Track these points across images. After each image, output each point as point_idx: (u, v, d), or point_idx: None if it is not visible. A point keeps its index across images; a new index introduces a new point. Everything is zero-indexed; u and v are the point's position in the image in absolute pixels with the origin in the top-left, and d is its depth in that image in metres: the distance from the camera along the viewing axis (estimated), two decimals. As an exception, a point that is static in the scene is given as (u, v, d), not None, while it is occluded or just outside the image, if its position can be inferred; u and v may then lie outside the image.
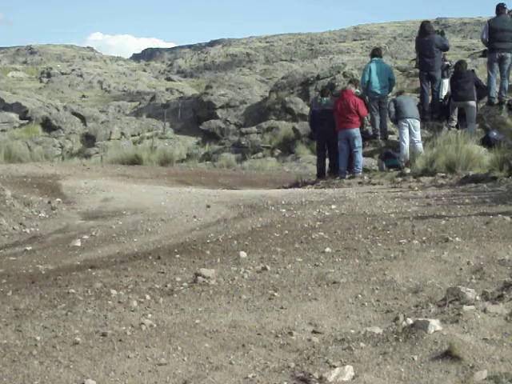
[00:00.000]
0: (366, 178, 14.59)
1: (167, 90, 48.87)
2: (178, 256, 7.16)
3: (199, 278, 5.85)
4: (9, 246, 9.16)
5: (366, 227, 8.19)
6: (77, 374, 3.84)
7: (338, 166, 15.31)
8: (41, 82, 58.36)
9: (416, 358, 3.75)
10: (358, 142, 15.06)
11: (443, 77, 17.64)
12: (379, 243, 7.13)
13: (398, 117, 15.13)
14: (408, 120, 15.03)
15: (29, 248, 8.79)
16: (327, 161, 16.20)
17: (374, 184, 13.76)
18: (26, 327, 4.68)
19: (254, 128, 29.78)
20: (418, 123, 15.26)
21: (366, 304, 5.05)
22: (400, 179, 13.61)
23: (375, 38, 63.20)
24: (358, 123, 15.13)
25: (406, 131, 15.01)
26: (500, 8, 16.78)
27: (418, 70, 18.69)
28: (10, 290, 5.79)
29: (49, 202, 11.85)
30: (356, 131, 15.05)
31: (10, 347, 4.27)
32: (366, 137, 16.45)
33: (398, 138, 15.92)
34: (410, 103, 15.74)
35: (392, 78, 16.79)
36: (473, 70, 17.94)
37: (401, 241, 7.17)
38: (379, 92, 16.34)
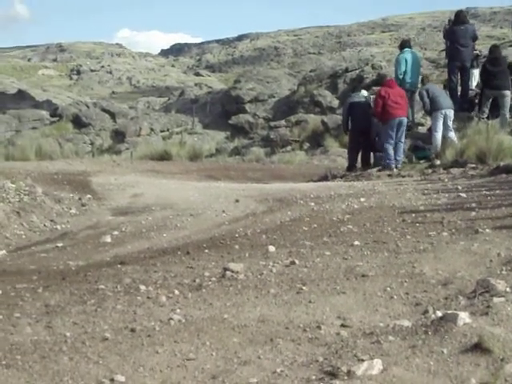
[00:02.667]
0: (395, 170, 14.49)
1: (196, 85, 49.02)
2: (206, 251, 7.17)
3: (228, 272, 5.85)
4: (40, 243, 9.26)
5: (395, 220, 8.14)
6: (106, 369, 3.86)
7: (385, 158, 14.90)
8: (71, 79, 58.85)
9: (445, 350, 3.72)
10: (404, 132, 14.96)
11: (472, 67, 17.48)
12: (408, 236, 7.08)
13: (434, 108, 14.87)
14: (444, 111, 14.86)
15: (60, 244, 8.87)
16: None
17: (404, 176, 13.65)
18: (56, 323, 4.72)
19: (282, 122, 29.70)
20: (452, 113, 15.11)
21: (395, 297, 5.02)
22: (430, 171, 13.49)
23: (404, 30, 62.70)
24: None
25: (441, 122, 14.83)
26: None
27: (446, 61, 18.54)
28: (41, 287, 5.85)
29: (79, 199, 11.95)
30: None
31: (40, 343, 4.30)
32: None
33: (429, 129, 15.79)
34: (443, 93, 15.57)
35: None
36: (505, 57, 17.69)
37: (430, 233, 7.11)
38: (415, 83, 16.22)
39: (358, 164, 16.00)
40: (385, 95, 14.64)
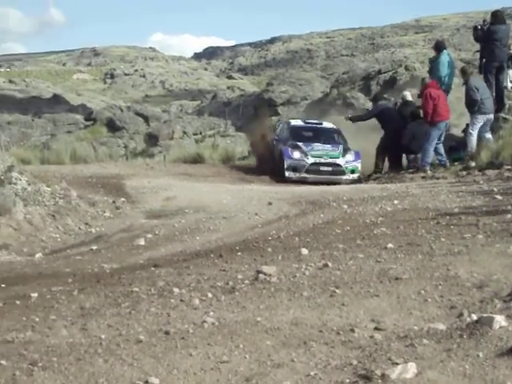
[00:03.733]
0: (429, 172, 14.40)
1: (228, 88, 49.14)
2: (239, 254, 7.18)
3: (260, 275, 5.85)
4: (75, 246, 9.35)
5: (429, 222, 8.08)
6: (140, 371, 3.88)
7: (423, 159, 14.89)
8: (105, 83, 59.38)
9: (481, 354, 3.69)
10: None
11: (508, 67, 17.30)
12: (443, 238, 7.03)
13: (479, 110, 14.68)
14: (488, 116, 14.74)
15: (94, 247, 8.95)
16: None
17: (438, 178, 13.57)
18: (92, 326, 4.75)
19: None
20: (493, 116, 14.99)
21: (430, 300, 4.98)
22: (464, 173, 13.38)
23: (438, 31, 62.26)
24: None
25: (480, 125, 14.71)
26: None
27: (481, 61, 18.34)
28: (76, 289, 5.90)
29: (113, 202, 12.04)
30: None
31: (75, 345, 4.34)
32: None
33: (463, 131, 15.65)
34: (489, 94, 15.19)
35: None
36: None
37: (465, 235, 7.05)
38: (450, 84, 16.13)
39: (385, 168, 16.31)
40: (435, 97, 14.59)
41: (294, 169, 17.58)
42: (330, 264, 6.18)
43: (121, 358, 4.08)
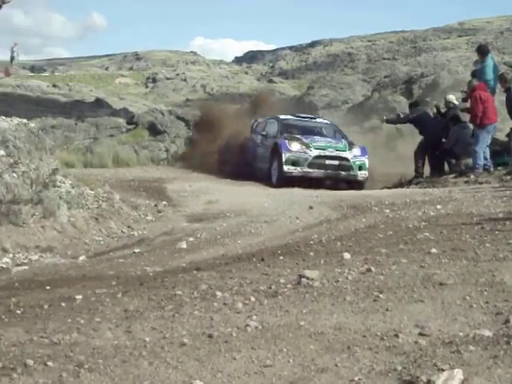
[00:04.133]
0: (472, 177, 14.25)
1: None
2: (281, 257, 7.18)
3: (303, 279, 5.84)
4: (118, 249, 9.43)
5: (474, 227, 7.99)
6: (185, 374, 3.90)
7: (474, 162, 14.72)
8: (146, 87, 59.77)
9: (528, 362, 3.64)
10: None
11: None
12: (487, 243, 6.94)
13: None
14: None
15: (137, 250, 9.02)
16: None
17: (481, 183, 13.42)
18: (136, 328, 4.79)
19: (356, 127, 29.53)
20: None
21: (475, 306, 4.92)
22: (509, 177, 13.21)
23: (481, 34, 61.55)
24: None
25: None
26: None
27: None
28: (120, 292, 5.95)
29: (155, 205, 12.13)
30: None
31: (120, 348, 4.38)
32: None
33: (508, 135, 15.46)
34: None
35: None
36: None
37: (510, 241, 6.95)
38: (494, 87, 15.96)
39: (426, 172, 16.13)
40: (485, 99, 14.47)
41: (294, 162, 15.76)
42: (373, 269, 6.14)
43: (165, 360, 4.11)
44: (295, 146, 15.99)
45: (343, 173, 16.07)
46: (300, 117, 18.78)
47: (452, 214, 9.30)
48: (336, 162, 16.02)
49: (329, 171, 15.99)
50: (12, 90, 42.02)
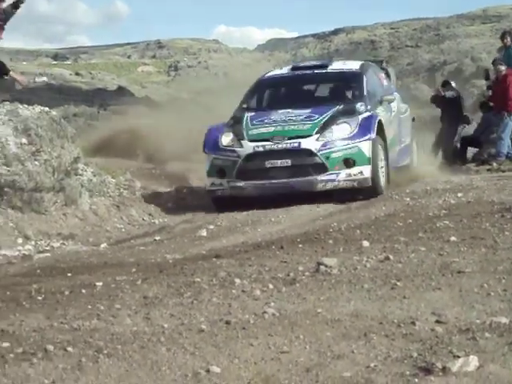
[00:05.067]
0: (494, 165, 14.16)
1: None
2: (300, 245, 7.20)
3: (321, 267, 5.86)
4: (139, 236, 9.50)
5: (494, 215, 7.96)
6: (202, 360, 3.95)
7: (501, 150, 14.55)
8: (169, 75, 59.90)
9: (544, 349, 3.64)
10: None
11: None
12: (507, 232, 6.92)
13: None
14: None
15: (157, 238, 9.08)
16: None
17: (504, 171, 13.35)
18: (155, 315, 4.85)
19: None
20: None
21: (492, 294, 4.92)
22: (532, 166, 13.14)
23: (506, 21, 60.93)
24: None
25: None
26: None
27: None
28: (140, 279, 6.01)
29: (176, 193, 12.18)
30: None
31: (139, 334, 4.44)
32: None
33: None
34: None
35: None
36: None
37: (530, 229, 6.93)
38: None
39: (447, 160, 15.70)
40: None
41: (221, 171, 10.16)
42: (391, 257, 6.15)
43: (183, 346, 4.16)
44: (225, 140, 10.22)
45: (300, 180, 9.87)
46: (302, 67, 12.40)
47: (473, 202, 9.26)
48: (287, 162, 9.83)
49: (273, 182, 9.90)
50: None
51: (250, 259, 6.62)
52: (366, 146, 10.04)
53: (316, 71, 11.81)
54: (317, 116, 10.18)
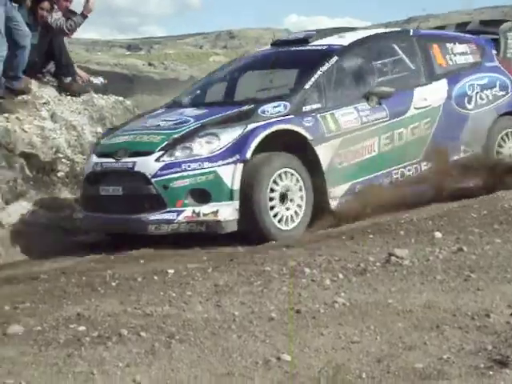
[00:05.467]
0: None
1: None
2: (371, 236, 7.13)
3: (392, 257, 5.80)
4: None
5: None
6: (273, 348, 3.97)
7: None
8: (239, 65, 60.09)
9: None
10: None
11: None
12: None
13: None
14: None
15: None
16: None
17: None
18: (225, 302, 4.89)
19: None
20: None
21: None
22: None
23: None
24: None
25: None
26: None
27: None
28: (211, 267, 6.06)
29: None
30: None
31: (210, 321, 4.49)
32: None
33: None
34: None
35: None
36: None
37: None
38: None
39: None
40: None
41: (86, 202, 7.53)
42: (464, 248, 6.04)
43: (254, 334, 4.18)
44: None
45: (133, 218, 7.05)
46: (283, 42, 8.97)
47: (551, 193, 9.02)
48: (118, 189, 7.13)
49: (108, 216, 7.30)
50: (110, 69, 43.01)
51: (320, 249, 6.59)
52: (227, 172, 6.86)
53: (292, 48, 8.50)
54: (191, 121, 7.22)
